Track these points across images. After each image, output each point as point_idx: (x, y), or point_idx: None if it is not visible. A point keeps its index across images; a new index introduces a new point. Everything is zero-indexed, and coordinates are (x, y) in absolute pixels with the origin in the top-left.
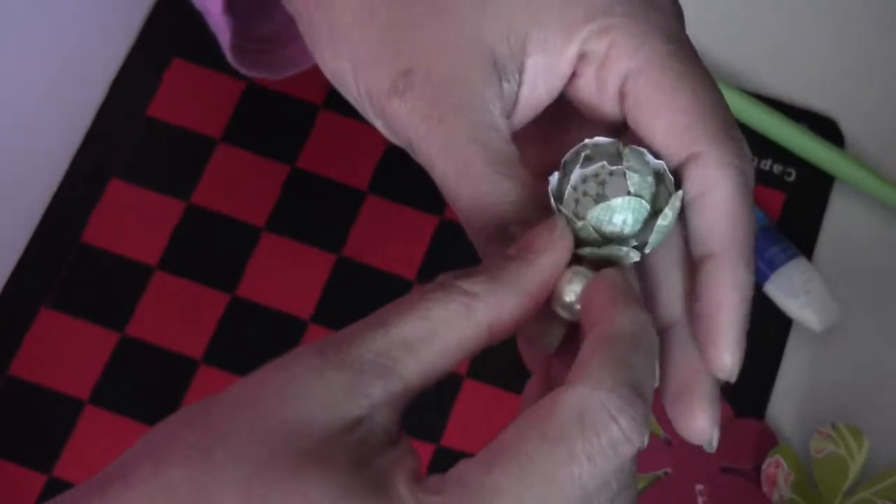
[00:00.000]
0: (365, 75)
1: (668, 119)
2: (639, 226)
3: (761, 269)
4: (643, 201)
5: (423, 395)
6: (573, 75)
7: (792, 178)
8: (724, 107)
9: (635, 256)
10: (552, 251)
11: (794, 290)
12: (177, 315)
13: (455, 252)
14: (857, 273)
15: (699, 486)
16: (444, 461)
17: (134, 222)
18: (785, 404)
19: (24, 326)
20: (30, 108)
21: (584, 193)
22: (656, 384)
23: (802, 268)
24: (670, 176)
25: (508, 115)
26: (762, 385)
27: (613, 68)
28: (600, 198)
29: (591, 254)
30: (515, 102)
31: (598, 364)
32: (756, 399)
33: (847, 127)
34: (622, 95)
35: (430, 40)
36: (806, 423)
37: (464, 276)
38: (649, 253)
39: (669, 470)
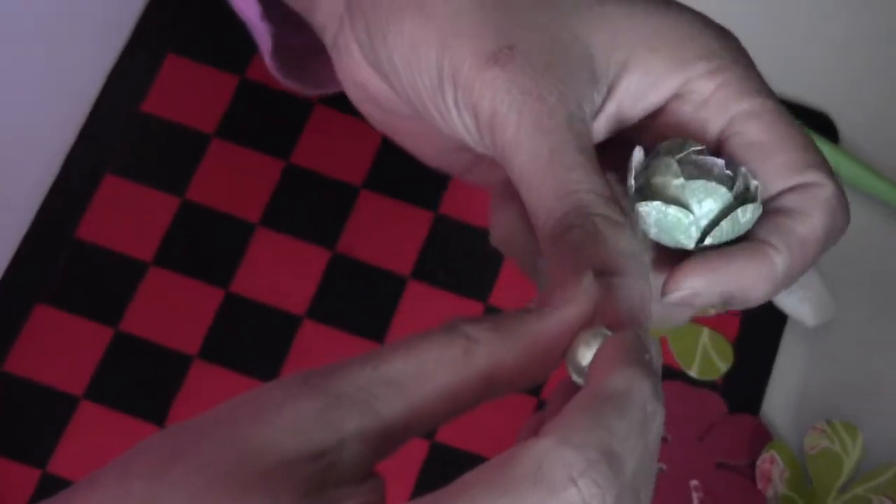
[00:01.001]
0: (459, 44)
1: (790, 154)
2: (703, 221)
3: None
4: (725, 190)
5: None
6: (659, 110)
7: None
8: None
9: (689, 243)
10: (570, 306)
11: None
12: (172, 311)
13: (450, 248)
14: (852, 269)
15: (694, 482)
16: (440, 458)
17: (129, 218)
18: (780, 400)
19: (18, 322)
20: (24, 104)
21: (670, 172)
22: (650, 483)
23: None
24: (758, 193)
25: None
26: (757, 381)
27: (721, 109)
28: (683, 183)
29: (657, 211)
30: (595, 116)
31: (572, 419)
32: (751, 395)
33: (842, 123)
34: (724, 136)
35: (534, 26)
36: (801, 419)
37: (470, 321)
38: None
39: (664, 466)
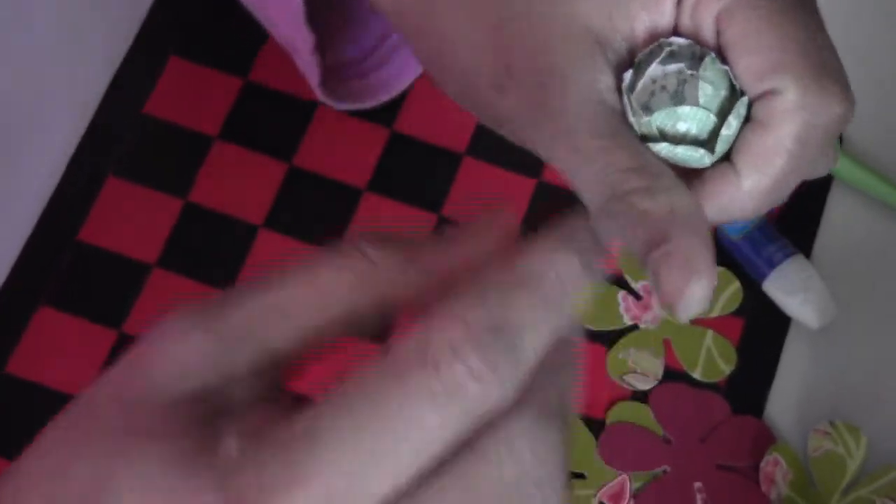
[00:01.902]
0: (470, 79)
1: (754, 58)
2: (704, 136)
3: (760, 267)
4: (710, 114)
5: None
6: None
7: None
8: (818, 48)
9: (708, 161)
10: (478, 241)
11: (792, 288)
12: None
13: None
14: (856, 271)
15: (697, 485)
16: None
17: (132, 220)
18: (783, 402)
19: (21, 324)
20: (27, 107)
21: (661, 89)
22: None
23: (801, 266)
24: (745, 92)
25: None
26: (760, 383)
27: (707, 7)
28: (675, 96)
29: (667, 151)
30: (631, 61)
31: (458, 298)
32: (754, 397)
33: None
34: (717, 34)
35: (526, 34)
36: (804, 421)
37: (372, 240)
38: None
39: (668, 468)
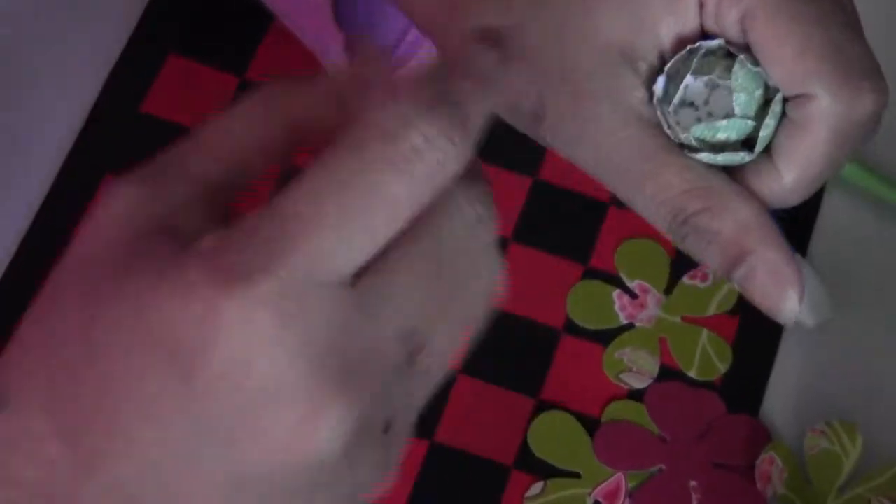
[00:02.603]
0: (510, 101)
1: (781, 67)
2: (743, 138)
3: None
4: (748, 121)
5: None
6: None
7: None
8: (844, 46)
9: (747, 159)
10: (362, 65)
11: None
12: None
13: None
14: (851, 269)
15: (693, 483)
16: (438, 458)
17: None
18: (779, 401)
19: (17, 327)
20: (24, 105)
21: (696, 103)
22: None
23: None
24: (778, 89)
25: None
26: (756, 382)
27: (730, 9)
28: (711, 109)
29: (708, 159)
30: (661, 67)
31: (406, 80)
32: (750, 396)
33: None
34: (744, 33)
35: (552, 62)
36: (800, 420)
37: (278, 83)
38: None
39: (663, 466)
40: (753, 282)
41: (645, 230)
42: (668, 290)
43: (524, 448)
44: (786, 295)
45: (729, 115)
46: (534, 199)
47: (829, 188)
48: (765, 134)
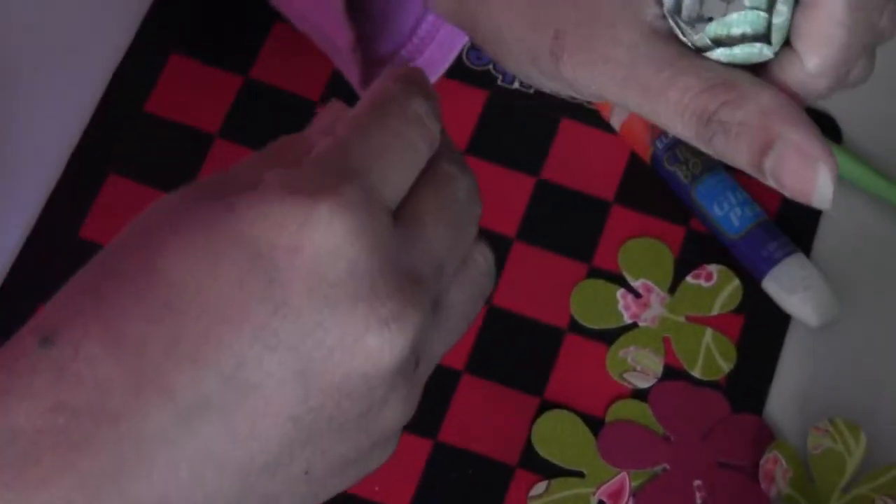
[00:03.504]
0: (525, 56)
1: None
2: (760, 31)
3: (759, 265)
4: (760, 11)
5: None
6: None
7: None
8: None
9: (769, 52)
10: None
11: (792, 286)
12: None
13: None
14: (856, 269)
15: (697, 482)
16: (442, 457)
17: (132, 218)
18: (783, 400)
19: (22, 325)
20: (27, 105)
21: (698, 15)
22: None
23: (801, 264)
24: None
25: None
26: (760, 381)
27: None
28: (722, 3)
29: (725, 55)
30: None
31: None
32: (754, 395)
33: (845, 123)
34: None
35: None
36: (804, 419)
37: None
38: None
39: (667, 466)
40: (784, 168)
41: (649, 229)
42: (672, 290)
43: (528, 447)
44: (818, 173)
45: (739, 10)
46: (537, 198)
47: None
48: (778, 21)
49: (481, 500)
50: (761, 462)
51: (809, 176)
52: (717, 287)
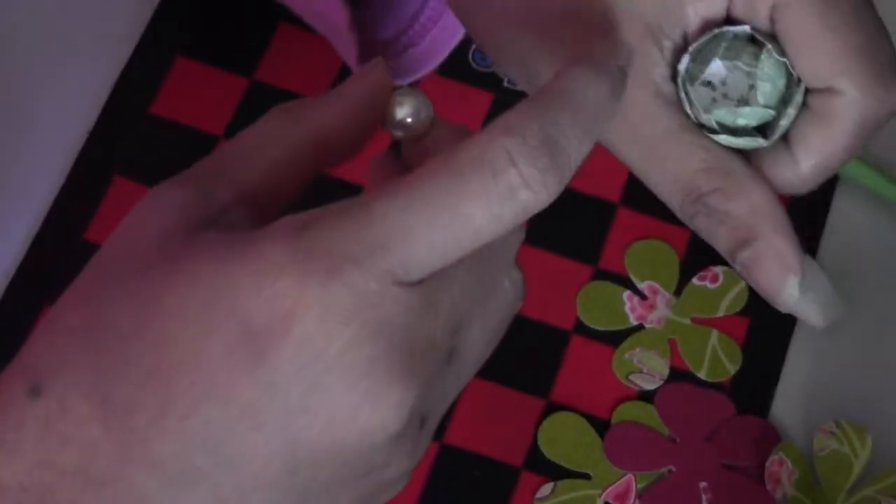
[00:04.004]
0: (532, 79)
1: (812, 60)
2: (762, 125)
3: None
4: (769, 111)
5: None
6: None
7: None
8: (876, 44)
9: (765, 143)
10: (375, 72)
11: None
12: None
13: None
14: (862, 270)
15: (703, 484)
16: (449, 459)
17: None
18: (788, 402)
19: (28, 325)
20: (33, 107)
21: (720, 88)
22: (585, 150)
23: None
24: (801, 80)
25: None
26: (766, 383)
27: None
28: (734, 97)
29: (727, 141)
30: (684, 46)
31: (518, 111)
32: (759, 397)
33: None
34: (773, 22)
35: (581, 27)
36: (809, 421)
37: (297, 101)
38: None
39: (673, 468)
40: (758, 265)
41: (654, 231)
42: (677, 292)
43: (534, 449)
44: (787, 281)
45: (744, 98)
46: None
47: (840, 189)
48: (784, 123)
49: (487, 502)
50: (767, 464)
51: (779, 281)
52: (722, 289)
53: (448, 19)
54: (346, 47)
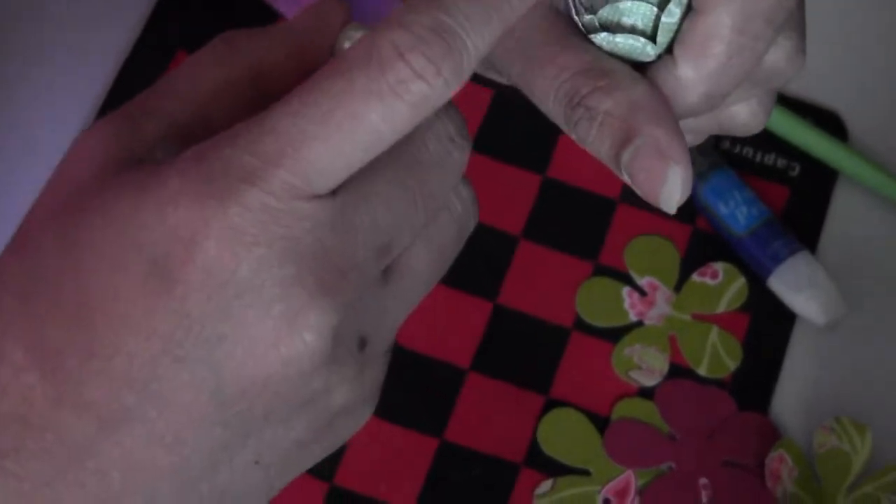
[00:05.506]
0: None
1: None
2: (649, 28)
3: (765, 264)
4: (652, 6)
5: (427, 388)
6: None
7: (796, 173)
8: None
9: (651, 52)
10: (322, 8)
11: (798, 284)
12: None
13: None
14: (861, 267)
15: (703, 481)
16: (448, 456)
17: None
18: (789, 399)
19: None
20: (31, 103)
21: None
22: (492, 33)
23: (806, 262)
24: None
25: None
26: (766, 380)
27: None
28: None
29: (607, 41)
30: None
31: (403, 7)
32: (760, 394)
33: (850, 121)
34: None
35: None
36: (810, 418)
37: (240, 31)
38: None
39: (673, 464)
40: (638, 164)
41: (654, 227)
42: (677, 288)
43: (533, 445)
44: (667, 172)
45: None
46: (543, 196)
47: (840, 186)
48: (667, 21)
49: (487, 499)
50: (767, 461)
51: (659, 174)
52: (722, 285)
53: None
54: None
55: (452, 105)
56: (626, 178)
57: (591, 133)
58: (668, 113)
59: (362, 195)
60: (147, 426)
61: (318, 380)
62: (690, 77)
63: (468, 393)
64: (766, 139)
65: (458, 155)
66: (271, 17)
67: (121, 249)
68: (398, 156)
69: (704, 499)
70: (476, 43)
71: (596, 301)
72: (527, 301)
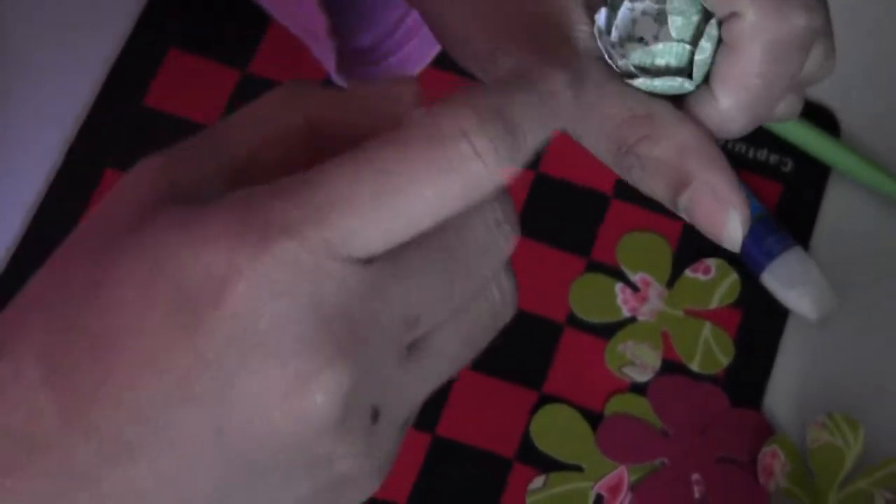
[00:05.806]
0: (467, 50)
1: None
2: (683, 65)
3: (758, 259)
4: (684, 44)
5: None
6: None
7: (788, 169)
8: None
9: (689, 86)
10: (408, 83)
11: (790, 280)
12: None
13: None
14: (854, 263)
15: (695, 476)
16: (440, 451)
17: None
18: (781, 394)
19: None
20: (25, 98)
21: (634, 28)
22: (547, 131)
23: (799, 258)
24: (714, 13)
25: None
26: (759, 375)
27: None
28: (648, 35)
29: (645, 85)
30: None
31: (469, 90)
32: (752, 389)
33: (843, 117)
34: None
35: (509, 14)
36: (802, 413)
37: (308, 82)
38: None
39: (665, 460)
40: (697, 209)
41: (647, 223)
42: (670, 283)
43: (526, 441)
44: (727, 216)
45: (663, 38)
46: (536, 192)
47: (832, 181)
48: (701, 58)
49: (480, 494)
50: (760, 456)
51: (720, 219)
52: (715, 281)
53: (427, 31)
54: (325, 54)
55: (504, 192)
56: (687, 219)
57: (645, 180)
58: (717, 154)
59: (398, 268)
60: (151, 461)
61: (325, 444)
62: (732, 108)
63: (461, 388)
64: (759, 135)
65: (504, 242)
66: (261, 16)
67: (151, 281)
68: (442, 234)
69: (697, 494)
70: (532, 135)
71: (589, 297)
72: (520, 297)
